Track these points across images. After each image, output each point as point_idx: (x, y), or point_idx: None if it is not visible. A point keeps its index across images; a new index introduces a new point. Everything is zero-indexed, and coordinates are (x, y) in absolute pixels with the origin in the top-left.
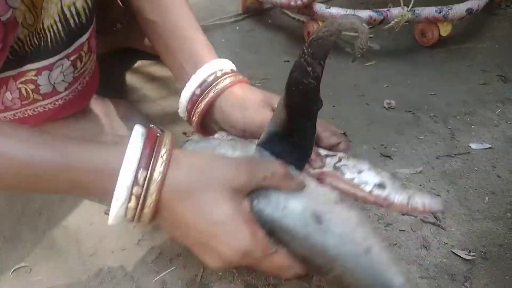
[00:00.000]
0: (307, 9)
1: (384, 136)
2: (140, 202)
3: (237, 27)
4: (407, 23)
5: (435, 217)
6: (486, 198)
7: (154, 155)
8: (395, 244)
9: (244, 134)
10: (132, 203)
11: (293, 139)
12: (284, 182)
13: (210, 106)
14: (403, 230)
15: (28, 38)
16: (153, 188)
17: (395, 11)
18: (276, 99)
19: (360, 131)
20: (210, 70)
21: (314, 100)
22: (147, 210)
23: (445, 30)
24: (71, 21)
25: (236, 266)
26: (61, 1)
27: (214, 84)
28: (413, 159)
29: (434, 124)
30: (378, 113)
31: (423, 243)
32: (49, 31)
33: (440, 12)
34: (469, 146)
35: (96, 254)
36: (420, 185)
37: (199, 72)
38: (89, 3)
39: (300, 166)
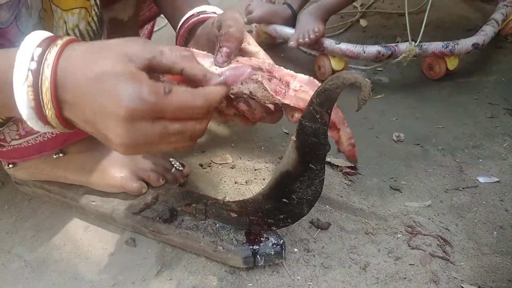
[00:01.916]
0: (317, 45)
1: (393, 169)
2: (40, 73)
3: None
4: (414, 58)
5: (444, 252)
6: (495, 232)
7: (51, 42)
8: (404, 278)
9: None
10: (30, 80)
11: (303, 178)
12: (185, 60)
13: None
14: (412, 264)
15: None
16: (50, 59)
17: (403, 46)
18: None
19: (370, 164)
20: (205, 8)
21: (323, 143)
22: (47, 84)
23: (452, 64)
24: None
25: (141, 141)
26: (66, 25)
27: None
28: (422, 192)
29: (442, 157)
30: (387, 145)
31: (432, 278)
32: None
33: (446, 47)
34: (477, 179)
35: (117, 284)
36: (429, 219)
37: (196, 9)
38: (93, 26)
39: (312, 203)
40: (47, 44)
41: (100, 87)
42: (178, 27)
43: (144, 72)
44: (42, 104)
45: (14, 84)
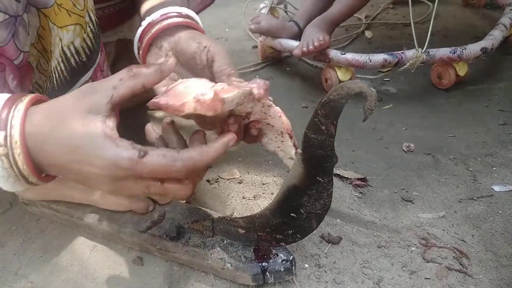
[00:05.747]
0: (323, 56)
1: (404, 180)
2: (11, 158)
3: (257, 76)
4: (422, 64)
5: (461, 264)
6: None
7: (11, 113)
8: None
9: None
10: (5, 163)
11: (311, 192)
12: (137, 78)
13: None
14: (428, 278)
15: (45, 84)
16: (15, 140)
17: (410, 53)
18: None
19: (380, 175)
20: (167, 10)
21: (329, 155)
22: (21, 164)
23: (462, 70)
24: (72, 60)
25: (122, 190)
26: (61, 42)
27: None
28: (435, 203)
29: (454, 166)
30: (397, 156)
31: None
32: (55, 72)
33: (454, 53)
34: (492, 188)
35: None
36: (443, 230)
37: (161, 11)
38: (88, 43)
39: (321, 217)
40: (9, 108)
41: (77, 158)
42: (139, 35)
43: (113, 116)
44: (18, 175)
45: None
